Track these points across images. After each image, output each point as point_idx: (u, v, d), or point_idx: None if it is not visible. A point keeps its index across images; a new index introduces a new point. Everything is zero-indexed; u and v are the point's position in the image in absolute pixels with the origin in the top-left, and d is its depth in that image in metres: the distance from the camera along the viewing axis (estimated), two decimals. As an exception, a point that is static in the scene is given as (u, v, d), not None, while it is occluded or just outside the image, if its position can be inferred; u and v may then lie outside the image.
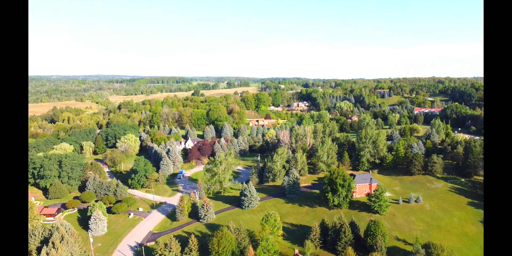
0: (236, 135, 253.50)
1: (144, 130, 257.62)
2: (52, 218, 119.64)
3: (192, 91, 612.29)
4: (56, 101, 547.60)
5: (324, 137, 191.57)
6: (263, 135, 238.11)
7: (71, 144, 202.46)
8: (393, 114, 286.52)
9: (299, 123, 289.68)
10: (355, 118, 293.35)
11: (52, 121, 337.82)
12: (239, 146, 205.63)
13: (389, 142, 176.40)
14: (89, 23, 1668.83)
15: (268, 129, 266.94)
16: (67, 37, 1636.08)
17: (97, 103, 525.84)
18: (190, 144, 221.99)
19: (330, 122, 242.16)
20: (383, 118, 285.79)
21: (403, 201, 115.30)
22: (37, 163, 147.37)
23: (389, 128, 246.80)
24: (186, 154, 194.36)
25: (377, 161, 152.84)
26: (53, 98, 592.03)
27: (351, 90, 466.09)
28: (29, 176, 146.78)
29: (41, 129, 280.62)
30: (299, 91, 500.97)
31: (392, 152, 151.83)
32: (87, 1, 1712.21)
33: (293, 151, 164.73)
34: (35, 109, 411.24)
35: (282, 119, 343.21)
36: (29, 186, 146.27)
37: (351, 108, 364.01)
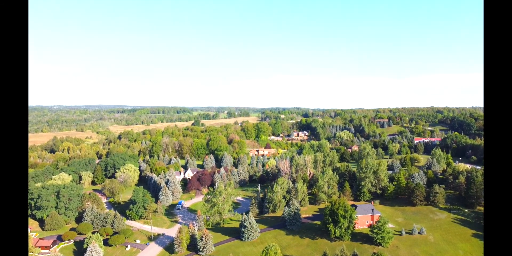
0: (236, 165, 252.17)
1: (143, 160, 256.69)
2: (47, 251, 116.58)
3: (193, 121, 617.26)
4: (56, 131, 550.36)
5: (325, 167, 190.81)
6: (263, 165, 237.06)
7: (69, 174, 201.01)
8: (393, 144, 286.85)
9: (299, 152, 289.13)
10: (355, 148, 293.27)
11: (52, 151, 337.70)
12: (239, 176, 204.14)
13: (390, 172, 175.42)
14: (91, 54, 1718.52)
15: (268, 158, 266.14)
16: (69, 68, 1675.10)
17: (97, 133, 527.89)
18: (189, 174, 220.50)
19: (330, 151, 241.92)
20: (383, 147, 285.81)
21: (406, 232, 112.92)
22: (35, 193, 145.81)
23: (389, 158, 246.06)
24: (186, 184, 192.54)
25: (378, 191, 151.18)
26: (54, 128, 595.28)
27: (350, 120, 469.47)
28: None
29: (41, 159, 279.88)
30: (299, 120, 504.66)
31: (394, 182, 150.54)
32: (89, 32, 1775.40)
33: (294, 181, 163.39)
34: (36, 139, 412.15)
35: (282, 149, 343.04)
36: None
37: (351, 137, 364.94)
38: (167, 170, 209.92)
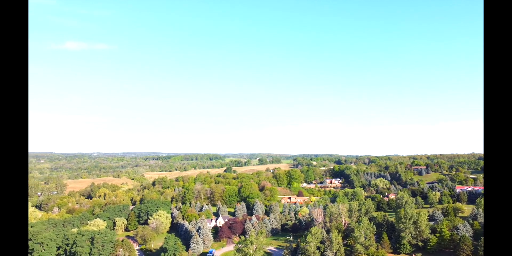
0: (267, 213, 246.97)
1: (176, 207, 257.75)
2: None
3: (225, 168, 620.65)
4: (95, 177, 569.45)
5: (360, 216, 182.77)
6: (295, 213, 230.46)
7: (104, 220, 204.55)
8: (433, 192, 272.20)
9: (333, 201, 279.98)
10: (392, 196, 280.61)
11: (89, 197, 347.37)
12: (270, 224, 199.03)
13: (432, 223, 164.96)
14: (128, 106, 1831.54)
15: (300, 206, 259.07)
16: (109, 118, 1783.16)
17: (133, 179, 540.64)
18: (221, 221, 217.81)
19: (365, 200, 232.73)
20: (422, 196, 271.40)
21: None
22: (70, 239, 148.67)
23: (430, 207, 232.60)
24: (217, 232, 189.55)
25: (420, 243, 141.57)
26: (92, 174, 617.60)
27: (386, 167, 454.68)
28: (61, 252, 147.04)
29: (78, 205, 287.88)
30: (332, 167, 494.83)
31: (436, 234, 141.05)
32: (125, 85, 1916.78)
33: (328, 231, 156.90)
34: (75, 185, 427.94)
35: (315, 197, 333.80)
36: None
37: (387, 185, 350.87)
38: (198, 218, 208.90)
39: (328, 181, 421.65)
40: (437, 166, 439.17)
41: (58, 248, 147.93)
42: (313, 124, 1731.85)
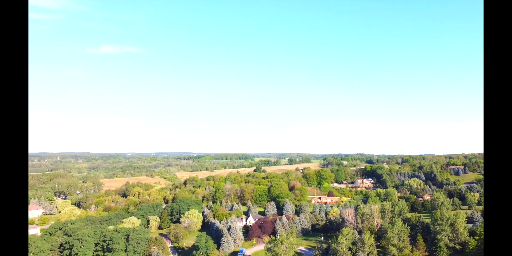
0: (297, 213, 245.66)
1: (207, 206, 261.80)
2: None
3: (254, 168, 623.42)
4: (129, 177, 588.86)
5: (394, 217, 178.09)
6: (326, 214, 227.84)
7: (139, 218, 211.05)
8: (472, 193, 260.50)
9: (365, 201, 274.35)
10: (427, 197, 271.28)
11: (124, 195, 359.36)
12: (301, 224, 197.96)
13: (470, 225, 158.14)
14: (159, 107, 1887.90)
15: (331, 207, 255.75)
16: (142, 119, 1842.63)
17: (165, 178, 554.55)
18: (251, 221, 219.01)
19: (399, 200, 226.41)
20: (460, 197, 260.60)
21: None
22: (107, 236, 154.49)
23: (468, 209, 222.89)
24: (247, 232, 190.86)
25: (457, 246, 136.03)
26: (127, 174, 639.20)
27: (420, 167, 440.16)
28: (99, 248, 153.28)
29: (114, 203, 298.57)
30: (363, 167, 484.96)
31: (475, 237, 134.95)
32: (157, 87, 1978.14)
33: (359, 232, 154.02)
34: (111, 184, 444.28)
35: (346, 197, 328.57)
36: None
37: (421, 186, 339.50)
38: (229, 217, 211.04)
39: (359, 181, 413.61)
40: (475, 166, 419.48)
41: (96, 244, 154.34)
42: (343, 123, 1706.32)
